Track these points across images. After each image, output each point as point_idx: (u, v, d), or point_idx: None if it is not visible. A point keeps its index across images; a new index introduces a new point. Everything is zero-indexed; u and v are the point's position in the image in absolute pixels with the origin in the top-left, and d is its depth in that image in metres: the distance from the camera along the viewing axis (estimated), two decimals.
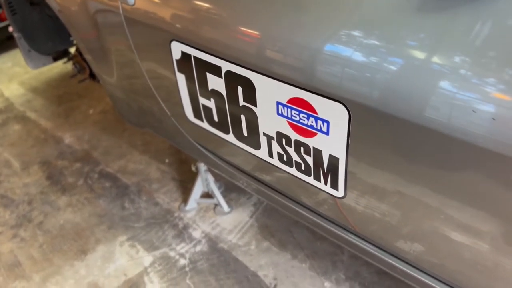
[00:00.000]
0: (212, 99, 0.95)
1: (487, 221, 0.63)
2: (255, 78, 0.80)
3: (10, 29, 2.00)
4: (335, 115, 0.70)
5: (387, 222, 0.79)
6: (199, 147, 1.23)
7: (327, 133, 0.74)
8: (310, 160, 0.82)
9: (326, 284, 1.35)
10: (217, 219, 1.64)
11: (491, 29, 0.54)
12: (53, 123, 2.40)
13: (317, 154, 0.79)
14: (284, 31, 0.73)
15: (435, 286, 0.83)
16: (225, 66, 0.85)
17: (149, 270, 1.47)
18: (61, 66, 2.89)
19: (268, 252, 1.48)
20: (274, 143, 0.87)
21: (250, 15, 0.79)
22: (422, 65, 0.58)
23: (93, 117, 2.40)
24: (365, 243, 0.92)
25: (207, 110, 0.99)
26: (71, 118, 2.42)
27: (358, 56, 0.63)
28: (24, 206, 1.83)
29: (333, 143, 0.74)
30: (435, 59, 0.57)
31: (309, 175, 0.85)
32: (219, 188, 1.69)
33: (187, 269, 1.46)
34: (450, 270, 0.78)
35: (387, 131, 0.65)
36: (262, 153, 0.93)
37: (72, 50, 2.17)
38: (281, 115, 0.80)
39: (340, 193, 0.82)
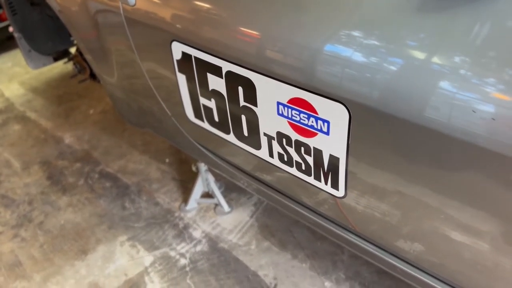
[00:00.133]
0: (212, 99, 0.95)
1: (487, 221, 0.63)
2: (256, 78, 0.80)
3: (11, 29, 2.00)
4: (336, 115, 0.70)
5: (387, 222, 0.79)
6: (199, 147, 1.24)
7: (327, 133, 0.74)
8: (310, 160, 0.82)
9: (327, 283, 1.35)
10: (217, 219, 1.64)
11: (491, 29, 0.54)
12: (53, 123, 2.40)
13: (318, 154, 0.79)
14: (284, 31, 0.73)
15: (435, 285, 0.83)
16: (226, 66, 0.85)
17: (149, 270, 1.48)
18: (62, 66, 2.90)
19: (269, 252, 1.48)
20: (275, 143, 0.87)
21: (251, 16, 0.79)
22: (422, 65, 0.58)
23: (93, 117, 2.40)
24: (366, 242, 0.93)
25: (208, 110, 1.00)
26: (71, 118, 2.42)
27: (358, 56, 0.63)
28: (25, 206, 1.83)
29: (333, 143, 0.74)
30: (435, 59, 0.57)
31: (309, 175, 0.85)
32: (219, 188, 1.69)
33: (187, 269, 1.46)
34: (450, 270, 0.78)
35: (387, 131, 0.66)
36: (263, 153, 0.93)
37: (73, 50, 2.17)
38: (282, 115, 0.80)
39: (340, 193, 0.82)
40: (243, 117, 0.90)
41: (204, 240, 1.56)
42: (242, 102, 0.87)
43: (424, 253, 0.78)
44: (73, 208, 1.78)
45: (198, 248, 1.53)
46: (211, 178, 1.65)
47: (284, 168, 0.91)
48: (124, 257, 1.53)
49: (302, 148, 0.82)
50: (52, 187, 1.92)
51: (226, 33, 0.82)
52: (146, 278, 1.45)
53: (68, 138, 2.24)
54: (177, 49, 0.95)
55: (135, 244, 1.58)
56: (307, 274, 1.39)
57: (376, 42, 0.62)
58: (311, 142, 0.78)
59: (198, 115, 1.05)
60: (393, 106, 0.61)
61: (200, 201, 1.70)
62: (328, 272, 1.39)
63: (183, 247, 1.54)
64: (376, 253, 0.91)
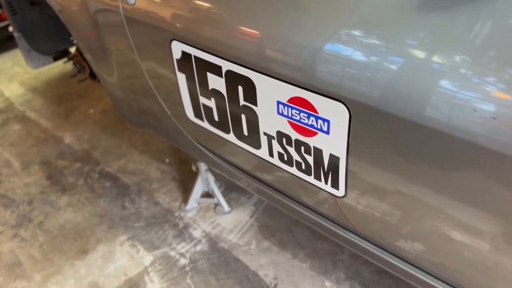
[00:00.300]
0: (212, 99, 0.95)
1: (487, 220, 0.63)
2: (256, 77, 0.80)
3: (10, 29, 2.00)
4: (336, 114, 0.70)
5: (387, 221, 0.79)
6: (199, 146, 1.24)
7: (327, 132, 0.74)
8: (310, 159, 0.82)
9: (327, 283, 1.35)
10: (217, 218, 1.64)
11: (491, 28, 0.54)
12: (53, 123, 2.40)
13: (318, 153, 0.79)
14: (284, 31, 0.73)
15: (436, 285, 0.83)
16: (226, 66, 0.85)
17: (149, 269, 1.47)
18: (61, 66, 2.90)
19: (269, 252, 1.48)
20: (275, 143, 0.87)
21: (251, 15, 0.79)
22: (423, 64, 0.58)
23: (93, 117, 2.40)
24: (366, 242, 0.93)
25: (208, 109, 1.00)
26: (71, 118, 2.42)
27: (358, 56, 0.63)
28: (25, 206, 1.83)
29: (333, 143, 0.74)
30: (436, 58, 0.57)
31: (309, 174, 0.85)
32: (219, 187, 1.69)
33: (187, 268, 1.46)
34: (450, 269, 0.78)
35: (387, 130, 0.65)
36: (263, 152, 0.93)
37: (72, 49, 2.17)
38: (282, 114, 0.80)
39: (340, 192, 0.82)
40: (243, 117, 0.90)
41: (204, 240, 1.56)
42: (242, 102, 0.87)
43: (424, 252, 0.78)
44: (73, 208, 1.78)
45: (198, 248, 1.53)
46: (211, 178, 1.65)
47: (284, 168, 0.91)
48: (124, 257, 1.53)
49: (302, 148, 0.82)
50: (52, 187, 1.92)
51: (226, 32, 0.82)
52: (146, 278, 1.45)
53: (68, 138, 2.24)
54: (177, 49, 0.95)
55: (135, 244, 1.58)
56: (307, 273, 1.39)
57: (376, 41, 0.62)
58: (311, 141, 0.78)
59: (198, 114, 1.05)
60: (393, 105, 0.61)
61: (200, 201, 1.70)
62: (328, 272, 1.39)
63: (183, 247, 1.54)
64: (376, 252, 0.91)
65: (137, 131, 2.19)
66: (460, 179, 0.62)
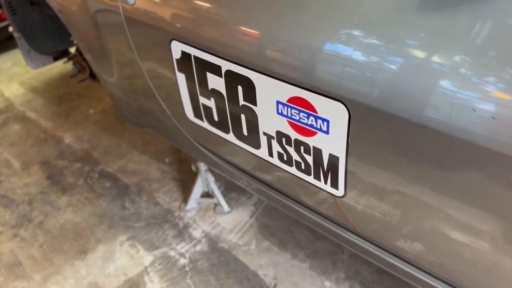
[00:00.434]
0: (212, 99, 0.95)
1: (487, 220, 0.63)
2: (255, 77, 0.80)
3: (10, 29, 2.00)
4: (335, 114, 0.70)
5: (387, 221, 0.79)
6: (199, 146, 1.24)
7: (327, 132, 0.74)
8: (310, 159, 0.82)
9: (326, 283, 1.35)
10: (217, 218, 1.64)
11: (491, 28, 0.54)
12: (53, 123, 2.40)
13: (317, 153, 0.79)
14: (284, 31, 0.73)
15: (436, 285, 0.83)
16: (225, 66, 0.85)
17: (149, 269, 1.47)
18: (61, 66, 2.89)
19: (268, 252, 1.48)
20: (274, 142, 0.87)
21: (250, 15, 0.79)
22: (422, 64, 0.58)
23: (93, 117, 2.40)
24: (365, 242, 0.93)
25: (207, 109, 1.00)
26: (71, 118, 2.42)
27: (358, 56, 0.63)
28: (25, 206, 1.83)
29: (333, 142, 0.74)
30: (435, 58, 0.57)
31: (309, 174, 0.85)
32: (219, 187, 1.69)
33: (187, 268, 1.46)
34: (450, 269, 0.78)
35: (387, 130, 0.65)
36: (262, 152, 0.93)
37: (72, 50, 2.17)
38: (281, 114, 0.80)
39: (340, 192, 0.82)
40: (243, 117, 0.90)
41: (204, 240, 1.56)
42: (241, 101, 0.87)
43: (424, 252, 0.78)
44: (73, 208, 1.78)
45: (198, 248, 1.53)
46: (211, 178, 1.65)
47: (283, 168, 0.91)
48: (124, 257, 1.53)
49: (302, 147, 0.82)
50: (52, 187, 1.92)
51: (226, 32, 0.82)
52: (146, 278, 1.45)
53: (68, 138, 2.24)
54: (177, 49, 0.95)
55: (135, 244, 1.58)
56: (307, 273, 1.39)
57: (376, 41, 0.62)
58: (311, 141, 0.78)
59: (197, 114, 1.05)
60: (393, 105, 0.61)
61: (200, 201, 1.70)
62: (328, 272, 1.39)
63: (183, 247, 1.54)
64: (376, 252, 0.91)
65: (137, 131, 2.19)
66: (460, 179, 0.62)
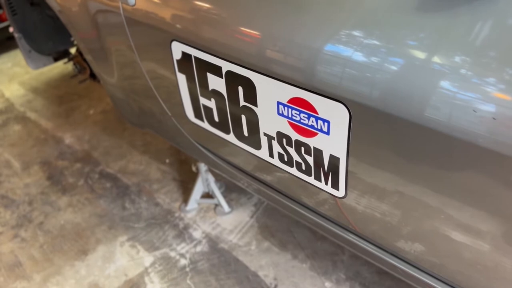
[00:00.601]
0: (212, 99, 0.95)
1: (488, 221, 0.63)
2: (256, 78, 0.80)
3: (11, 29, 2.00)
4: (336, 115, 0.70)
5: (387, 222, 0.79)
6: (199, 147, 1.24)
7: (327, 133, 0.74)
8: (310, 160, 0.82)
9: (327, 284, 1.35)
10: (217, 219, 1.64)
11: (491, 29, 0.54)
12: (53, 123, 2.40)
13: (318, 154, 0.79)
14: (284, 31, 0.73)
15: (436, 286, 0.83)
16: (226, 66, 0.85)
17: (149, 270, 1.47)
18: (62, 67, 2.90)
19: (269, 252, 1.48)
20: (275, 143, 0.87)
21: (251, 15, 0.79)
22: (423, 65, 0.58)
23: (94, 117, 2.40)
24: (366, 243, 0.92)
25: (208, 110, 1.00)
26: (71, 118, 2.42)
27: (358, 56, 0.63)
28: (25, 206, 1.83)
29: (333, 143, 0.74)
30: (436, 59, 0.57)
31: (309, 175, 0.85)
32: (219, 188, 1.69)
33: (187, 269, 1.46)
34: (450, 270, 0.78)
35: (387, 131, 0.65)
36: (263, 153, 0.93)
37: (73, 50, 2.17)
38: (282, 115, 0.80)
39: (340, 193, 0.82)
40: (243, 117, 0.90)
41: (204, 241, 1.56)
42: (242, 102, 0.87)
43: (424, 253, 0.78)
44: (73, 208, 1.78)
45: (198, 248, 1.53)
46: (211, 179, 1.65)
47: (284, 168, 0.91)
48: (124, 257, 1.53)
49: (302, 148, 0.82)
50: (52, 187, 1.92)
51: (226, 33, 0.82)
52: (146, 279, 1.45)
53: (68, 138, 2.24)
54: (177, 49, 0.95)
55: (135, 245, 1.58)
56: (307, 274, 1.39)
57: (376, 42, 0.62)
58: (311, 142, 0.78)
59: (198, 115, 1.05)
60: (393, 106, 0.61)
61: (200, 202, 1.70)
62: (328, 272, 1.39)
63: (183, 248, 1.54)
64: (377, 253, 0.91)
65: (137, 132, 2.19)
66: (461, 179, 0.62)
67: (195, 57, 0.91)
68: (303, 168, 0.85)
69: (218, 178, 1.73)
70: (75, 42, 2.03)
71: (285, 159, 0.88)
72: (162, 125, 1.32)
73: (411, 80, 0.59)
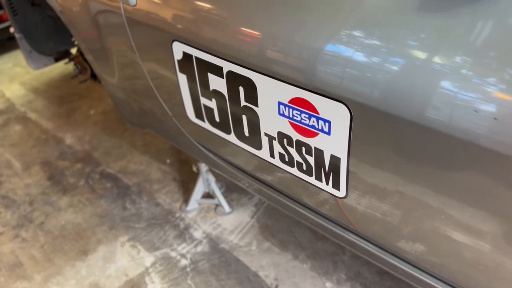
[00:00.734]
0: (213, 99, 0.95)
1: (489, 221, 0.63)
2: (257, 78, 0.80)
3: (12, 29, 2.00)
4: (337, 115, 0.70)
5: (388, 222, 0.79)
6: (200, 147, 1.24)
7: (328, 133, 0.74)
8: (311, 160, 0.82)
9: (327, 284, 1.35)
10: (218, 219, 1.64)
11: (492, 29, 0.54)
12: (54, 123, 2.40)
13: (319, 154, 0.79)
14: (285, 32, 0.73)
15: (437, 286, 0.83)
16: (227, 66, 0.85)
17: (150, 270, 1.47)
18: (62, 67, 2.90)
19: (269, 253, 1.48)
20: (276, 143, 0.87)
21: (252, 16, 0.79)
22: (424, 65, 0.58)
23: (94, 118, 2.40)
24: (367, 243, 0.92)
25: (209, 110, 1.00)
26: (72, 119, 2.42)
27: (359, 56, 0.63)
28: (25, 206, 1.83)
29: (334, 143, 0.74)
30: (436, 59, 0.57)
31: (310, 175, 0.85)
32: (220, 188, 1.69)
33: (188, 269, 1.46)
34: (451, 270, 0.78)
35: (388, 131, 0.65)
36: (264, 153, 0.93)
37: (74, 50, 2.18)
38: (283, 115, 0.80)
39: (341, 193, 0.82)
40: (244, 117, 0.90)
41: (205, 241, 1.56)
42: (243, 102, 0.87)
43: (425, 253, 0.78)
44: (73, 209, 1.78)
45: (199, 248, 1.53)
46: (212, 179, 1.65)
47: (285, 169, 0.91)
48: (124, 257, 1.53)
49: (303, 148, 0.82)
50: (53, 187, 1.92)
51: (227, 33, 0.82)
52: (147, 279, 1.45)
53: (69, 139, 2.25)
54: (178, 49, 0.95)
55: (135, 245, 1.58)
56: (308, 274, 1.39)
57: (377, 42, 0.62)
58: (312, 142, 0.78)
59: (199, 115, 1.05)
60: (394, 106, 0.61)
61: (201, 202, 1.70)
62: (329, 273, 1.39)
63: (184, 248, 1.54)
64: (377, 253, 0.91)
65: (138, 132, 2.19)
66: (462, 180, 0.62)
67: (196, 57, 0.91)
68: (304, 168, 0.85)
69: (218, 178, 1.74)
70: (76, 43, 2.03)
71: (286, 159, 0.88)
72: (163, 125, 1.32)
73: (412, 80, 0.59)
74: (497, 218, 0.62)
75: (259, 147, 0.93)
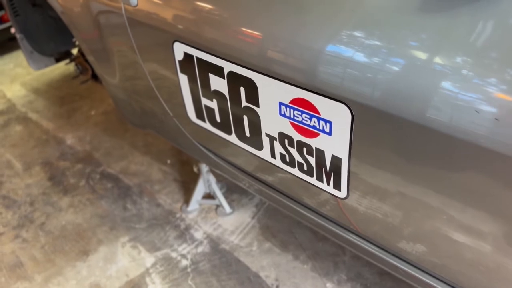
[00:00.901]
0: (214, 100, 0.96)
1: (490, 221, 0.63)
2: (258, 78, 0.80)
3: (13, 30, 2.00)
4: (338, 115, 0.70)
5: (389, 223, 0.79)
6: (201, 147, 1.24)
7: (329, 133, 0.74)
8: (312, 160, 0.82)
9: (328, 285, 1.35)
10: (219, 220, 1.64)
11: (493, 29, 0.54)
12: (55, 124, 2.40)
13: (320, 154, 0.79)
14: (286, 32, 0.73)
15: (437, 286, 0.82)
16: (228, 67, 0.85)
17: (151, 271, 1.47)
18: (63, 67, 2.90)
19: (270, 253, 1.48)
20: (277, 144, 0.87)
21: (252, 16, 0.79)
22: (424, 66, 0.58)
23: (95, 118, 2.40)
24: (367, 243, 0.92)
25: (210, 110, 1.00)
26: (72, 119, 2.42)
27: (360, 57, 0.63)
28: (26, 207, 1.83)
29: (335, 144, 0.74)
30: (437, 59, 0.57)
31: (311, 175, 0.85)
32: (221, 189, 1.69)
33: (189, 270, 1.46)
34: (452, 271, 0.78)
35: (389, 132, 0.65)
36: (265, 153, 0.93)
37: (75, 51, 2.18)
38: (284, 115, 0.80)
39: (342, 193, 0.82)
40: (245, 118, 0.90)
41: (205, 241, 1.56)
42: (244, 103, 0.87)
43: (426, 254, 0.78)
44: (74, 209, 1.78)
45: (200, 249, 1.53)
46: (212, 179, 1.65)
47: (286, 169, 0.91)
48: (125, 258, 1.53)
49: (304, 149, 0.82)
50: (54, 188, 1.92)
51: (228, 34, 0.82)
52: (148, 279, 1.45)
53: (69, 139, 2.25)
54: (179, 50, 0.95)
55: (136, 245, 1.58)
56: (309, 275, 1.39)
57: (377, 42, 0.62)
58: (313, 142, 0.78)
59: (199, 115, 1.05)
60: (395, 106, 0.61)
61: (201, 202, 1.70)
62: (329, 273, 1.39)
63: (184, 248, 1.54)
64: (378, 254, 0.91)
65: (139, 132, 2.19)
66: (463, 180, 0.62)
67: (197, 58, 0.91)
68: (305, 168, 0.85)
69: (219, 179, 1.74)
70: (77, 43, 2.03)
71: (287, 159, 0.88)
72: (164, 125, 1.32)
73: (412, 80, 0.59)
74: (498, 218, 0.62)
75: (260, 147, 0.93)
